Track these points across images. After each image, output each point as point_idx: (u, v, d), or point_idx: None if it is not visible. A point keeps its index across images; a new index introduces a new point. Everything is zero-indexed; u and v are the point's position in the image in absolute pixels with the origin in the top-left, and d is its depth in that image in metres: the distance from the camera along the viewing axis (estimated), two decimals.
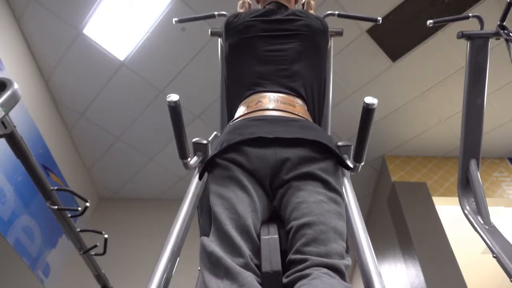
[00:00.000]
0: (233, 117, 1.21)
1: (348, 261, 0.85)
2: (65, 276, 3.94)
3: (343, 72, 3.64)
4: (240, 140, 0.97)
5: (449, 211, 3.91)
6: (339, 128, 3.80)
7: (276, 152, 0.96)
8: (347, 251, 0.88)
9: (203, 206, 1.14)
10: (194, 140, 1.16)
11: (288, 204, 0.92)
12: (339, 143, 1.12)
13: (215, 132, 1.43)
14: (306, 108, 1.22)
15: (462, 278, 3.17)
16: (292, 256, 0.83)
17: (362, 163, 1.03)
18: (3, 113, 1.08)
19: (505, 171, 4.26)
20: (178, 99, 0.99)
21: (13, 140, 1.28)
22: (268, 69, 1.26)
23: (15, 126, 1.25)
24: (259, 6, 1.62)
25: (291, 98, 1.19)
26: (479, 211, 1.63)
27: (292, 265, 0.82)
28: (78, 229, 1.89)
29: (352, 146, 1.06)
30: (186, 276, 1.82)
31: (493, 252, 1.43)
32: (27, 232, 3.39)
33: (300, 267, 0.79)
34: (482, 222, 1.59)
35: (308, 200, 0.89)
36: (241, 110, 1.19)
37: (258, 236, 0.89)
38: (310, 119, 1.18)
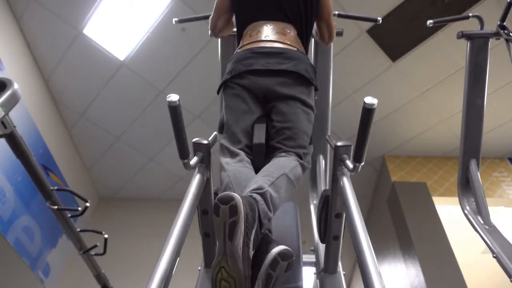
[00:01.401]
0: (239, 43, 1.58)
1: (308, 150, 1.39)
2: (65, 276, 3.94)
3: (343, 72, 3.64)
4: (243, 70, 1.40)
5: (449, 211, 3.91)
6: (339, 128, 3.80)
7: (267, 79, 1.39)
8: (310, 143, 1.42)
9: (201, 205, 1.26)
10: (194, 140, 1.16)
11: (277, 112, 1.39)
12: (339, 143, 1.12)
13: (215, 132, 1.44)
14: (296, 33, 1.53)
15: (462, 278, 3.17)
16: (274, 144, 1.37)
17: (362, 163, 1.03)
18: (3, 113, 1.08)
19: (505, 171, 4.26)
20: (178, 99, 0.99)
21: (13, 140, 1.28)
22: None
23: (15, 126, 1.25)
24: None
25: (283, 25, 1.52)
26: (479, 211, 1.63)
27: (273, 149, 1.36)
28: (78, 229, 1.89)
29: (352, 146, 1.06)
30: (186, 276, 1.82)
31: (493, 252, 1.43)
32: (27, 232, 3.39)
33: (278, 151, 1.34)
34: (482, 222, 1.59)
35: (289, 112, 1.38)
36: (244, 39, 1.53)
37: (253, 127, 1.39)
38: (298, 43, 1.51)
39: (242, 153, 1.34)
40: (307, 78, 1.41)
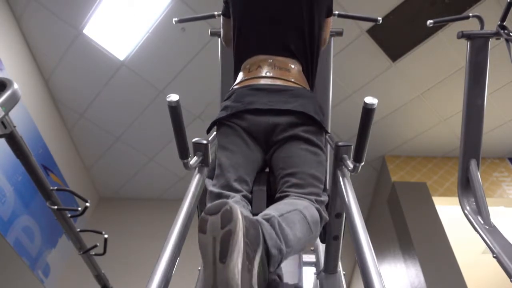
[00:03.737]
0: (236, 78, 1.41)
1: (323, 197, 1.13)
2: (65, 276, 3.94)
3: (343, 72, 3.64)
4: (242, 109, 1.21)
5: (449, 211, 3.91)
6: (339, 128, 3.80)
7: (269, 119, 1.20)
8: (324, 189, 1.17)
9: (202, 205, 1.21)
10: (194, 140, 1.16)
11: (278, 157, 1.19)
12: (339, 143, 1.12)
13: (215, 132, 1.44)
14: (301, 68, 1.36)
15: (462, 278, 3.17)
16: (278, 194, 1.13)
17: (362, 163, 1.03)
18: (3, 113, 1.08)
19: (505, 171, 4.26)
20: (178, 99, 0.99)
21: (13, 140, 1.28)
22: (267, 32, 1.37)
23: (15, 126, 1.25)
24: None
25: (287, 61, 1.33)
26: (479, 211, 1.63)
27: (279, 200, 1.09)
28: (78, 229, 1.88)
29: (352, 146, 1.06)
30: (186, 276, 1.82)
31: (493, 252, 1.43)
32: (27, 232, 3.39)
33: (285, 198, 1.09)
34: (482, 222, 1.59)
35: (293, 155, 1.16)
36: (242, 74, 1.36)
37: (254, 176, 1.19)
38: (304, 81, 1.34)
39: (238, 196, 1.10)
40: (317, 120, 1.21)
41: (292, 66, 1.33)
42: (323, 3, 1.41)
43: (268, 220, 0.84)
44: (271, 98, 1.21)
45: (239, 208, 0.72)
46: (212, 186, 1.15)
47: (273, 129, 1.19)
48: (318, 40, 1.40)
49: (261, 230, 0.78)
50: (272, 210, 0.92)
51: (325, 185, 1.18)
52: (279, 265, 0.84)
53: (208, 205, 0.75)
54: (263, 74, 1.30)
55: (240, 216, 0.70)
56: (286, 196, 1.09)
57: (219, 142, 1.24)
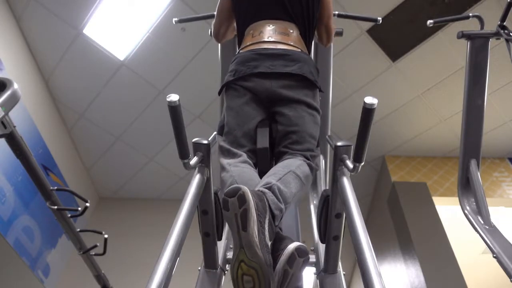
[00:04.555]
0: (240, 43, 1.55)
1: (316, 152, 1.36)
2: (65, 276, 3.94)
3: (343, 72, 3.64)
4: (248, 73, 1.36)
5: (449, 211, 3.91)
6: (339, 128, 3.80)
7: (272, 82, 1.36)
8: (317, 145, 1.39)
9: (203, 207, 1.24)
10: (194, 140, 1.16)
11: (282, 115, 1.35)
12: (339, 143, 1.12)
13: (215, 132, 1.44)
14: (299, 32, 1.50)
15: (462, 278, 3.17)
16: (281, 149, 1.34)
17: (362, 163, 1.03)
18: (3, 113, 1.08)
19: (505, 171, 4.26)
20: (178, 99, 0.98)
21: (13, 140, 1.28)
22: None
23: (15, 126, 1.25)
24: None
25: (286, 25, 1.48)
26: (479, 211, 1.63)
27: (279, 154, 1.34)
28: (78, 229, 1.88)
29: (352, 146, 1.06)
30: (186, 276, 1.82)
31: (493, 252, 1.43)
32: (27, 232, 3.39)
33: (284, 155, 1.31)
34: (482, 222, 1.59)
35: (295, 115, 1.34)
36: (246, 39, 1.49)
37: (255, 130, 1.36)
38: (302, 44, 1.48)
39: (244, 155, 1.31)
40: (311, 80, 1.39)
41: (291, 31, 1.47)
42: None
43: (269, 188, 1.08)
44: (272, 62, 1.37)
45: (249, 190, 0.95)
46: (222, 142, 1.35)
47: (275, 90, 1.36)
48: (313, 7, 1.53)
49: (266, 200, 1.02)
50: (272, 177, 1.14)
51: (318, 141, 1.41)
52: (281, 219, 1.08)
53: (226, 190, 0.97)
54: (265, 39, 1.44)
55: (251, 197, 0.95)
56: (286, 152, 1.32)
57: (227, 102, 1.41)
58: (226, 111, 1.40)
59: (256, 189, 1.07)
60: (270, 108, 1.39)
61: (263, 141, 1.35)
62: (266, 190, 1.06)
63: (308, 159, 1.30)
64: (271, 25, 1.47)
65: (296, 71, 1.36)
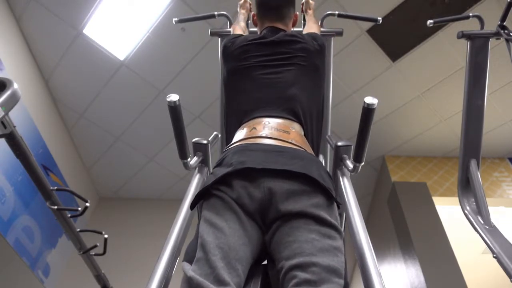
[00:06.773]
0: (228, 141, 1.25)
1: None
2: (65, 276, 3.94)
3: (343, 72, 3.64)
4: (229, 172, 0.96)
5: (449, 211, 3.91)
6: (339, 128, 3.80)
7: (264, 184, 0.94)
8: (346, 285, 0.85)
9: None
10: (194, 140, 1.16)
11: (280, 241, 0.89)
12: (339, 143, 1.12)
13: (215, 132, 1.44)
14: (302, 132, 1.21)
15: (462, 278, 3.17)
16: None
17: (362, 163, 1.03)
18: (3, 113, 1.08)
19: (505, 171, 4.26)
20: (178, 99, 0.99)
21: (13, 140, 1.28)
22: (266, 94, 1.27)
23: (15, 126, 1.25)
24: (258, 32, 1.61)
25: (287, 123, 1.19)
26: (479, 211, 1.63)
27: None
28: (78, 229, 1.88)
29: (352, 146, 1.06)
30: None
31: (493, 252, 1.43)
32: (27, 232, 3.39)
33: None
34: (482, 222, 1.59)
35: (299, 239, 0.87)
36: (237, 136, 1.19)
37: (248, 268, 0.90)
38: (306, 144, 1.16)
39: None
40: (323, 186, 0.95)
41: (292, 129, 1.18)
42: (320, 64, 1.38)
43: None
44: (266, 158, 1.00)
45: None
46: (191, 271, 0.83)
47: (270, 199, 0.93)
48: (319, 101, 1.33)
49: None
50: None
51: (345, 278, 0.87)
52: None
53: None
54: (259, 135, 1.13)
55: None
56: None
57: (204, 216, 0.95)
58: (202, 226, 0.94)
59: None
60: (267, 229, 0.95)
61: (255, 283, 0.91)
62: None
63: None
64: (268, 123, 1.19)
65: (299, 170, 0.96)
